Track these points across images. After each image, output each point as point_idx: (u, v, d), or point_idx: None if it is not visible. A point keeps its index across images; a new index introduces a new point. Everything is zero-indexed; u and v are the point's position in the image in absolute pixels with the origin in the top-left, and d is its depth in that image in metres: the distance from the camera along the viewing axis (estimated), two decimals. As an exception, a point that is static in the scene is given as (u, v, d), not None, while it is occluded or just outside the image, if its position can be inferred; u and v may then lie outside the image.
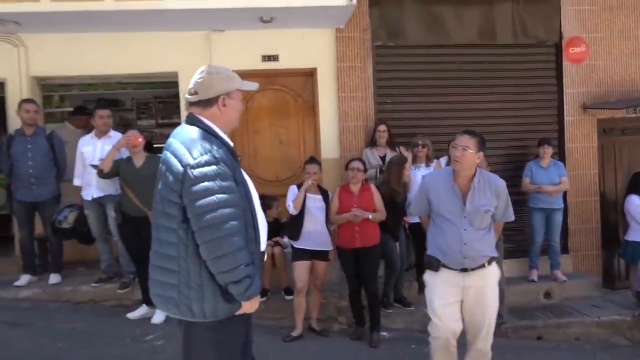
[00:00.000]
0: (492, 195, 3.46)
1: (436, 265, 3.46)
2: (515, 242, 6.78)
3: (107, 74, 6.23)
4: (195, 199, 2.11)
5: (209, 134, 2.25)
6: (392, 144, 6.17)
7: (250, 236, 2.25)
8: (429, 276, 3.55)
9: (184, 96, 6.35)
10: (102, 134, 5.28)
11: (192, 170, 2.12)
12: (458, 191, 3.43)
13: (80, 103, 8.91)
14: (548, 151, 6.34)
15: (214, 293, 2.16)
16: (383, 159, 6.07)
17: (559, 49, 6.86)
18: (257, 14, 5.67)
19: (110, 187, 5.17)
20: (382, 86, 6.57)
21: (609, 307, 6.19)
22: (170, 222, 2.19)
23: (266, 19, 5.79)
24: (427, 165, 6.05)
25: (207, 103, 2.30)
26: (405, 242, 5.75)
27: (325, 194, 5.00)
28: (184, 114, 6.24)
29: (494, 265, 3.55)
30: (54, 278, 5.43)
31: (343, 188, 5.06)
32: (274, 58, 6.31)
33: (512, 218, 3.66)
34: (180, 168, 2.15)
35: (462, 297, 3.48)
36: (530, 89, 6.85)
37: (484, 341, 3.59)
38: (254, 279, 2.18)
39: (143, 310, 5.03)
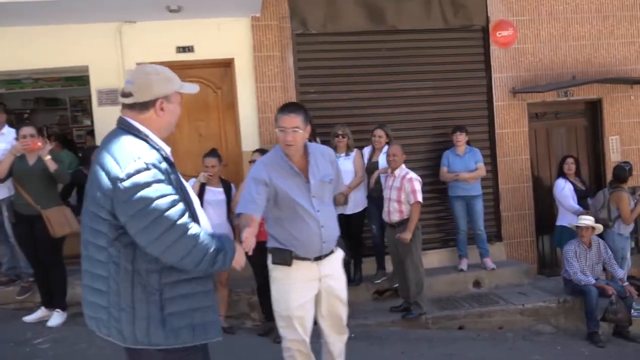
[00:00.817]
0: (327, 164, 3.25)
1: (289, 258, 3.12)
2: (445, 232, 6.69)
3: (12, 70, 6.02)
4: (134, 213, 1.91)
5: (140, 139, 2.05)
6: (313, 135, 6.03)
7: None
8: (279, 273, 3.18)
9: (95, 90, 6.21)
10: (-4, 132, 5.10)
11: (122, 183, 1.91)
12: (298, 170, 3.13)
13: (19, 101, 8.73)
14: (461, 138, 6.21)
15: (148, 317, 1.97)
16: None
17: (486, 33, 6.74)
18: (162, 2, 5.49)
19: (3, 189, 4.98)
20: (304, 75, 6.41)
21: (537, 294, 6.10)
22: (98, 240, 2.01)
23: (173, 7, 5.59)
24: (347, 155, 5.92)
25: (143, 106, 2.09)
26: None
27: (227, 186, 4.84)
28: (96, 110, 6.11)
29: (339, 249, 3.34)
30: (-42, 281, 5.25)
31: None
32: (188, 49, 6.11)
33: (343, 188, 3.55)
34: (107, 182, 1.94)
35: (317, 290, 3.21)
36: (458, 74, 6.73)
37: (345, 330, 3.40)
38: (224, 244, 2.07)
39: (41, 312, 4.86)
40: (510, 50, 6.70)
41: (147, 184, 1.93)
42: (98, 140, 6.02)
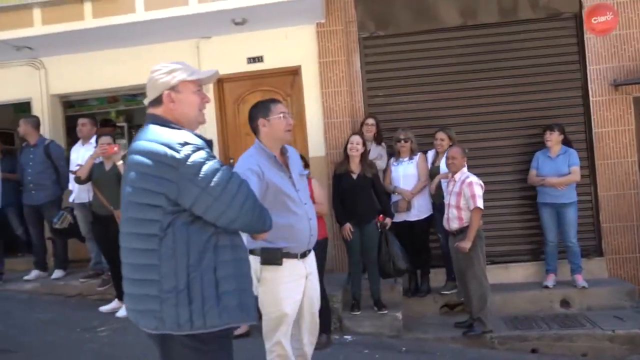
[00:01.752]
0: (298, 159, 3.30)
1: (279, 257, 3.06)
2: (534, 243, 6.01)
3: (111, 87, 6.78)
4: (205, 186, 1.98)
5: (175, 129, 2.12)
6: (379, 139, 5.88)
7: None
8: (268, 273, 3.08)
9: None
10: (84, 140, 5.77)
11: (186, 163, 1.97)
12: (281, 164, 3.10)
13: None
14: (552, 137, 5.54)
15: (202, 296, 2.00)
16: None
17: (578, 20, 5.97)
18: (228, 16, 5.79)
19: (84, 192, 5.61)
20: (371, 79, 6.28)
21: (637, 320, 5.18)
22: (147, 228, 2.04)
23: (238, 20, 5.88)
24: (410, 159, 5.66)
25: (156, 102, 2.20)
26: (397, 244, 5.32)
27: None
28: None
29: None
30: (57, 273, 6.02)
31: None
32: (258, 59, 6.36)
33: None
34: (164, 168, 1.98)
35: (304, 289, 3.14)
36: (547, 68, 6.06)
37: (317, 328, 3.34)
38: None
39: (114, 304, 5.36)
40: (609, 37, 5.85)
41: (207, 159, 2.01)
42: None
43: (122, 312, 5.21)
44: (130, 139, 8.26)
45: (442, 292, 5.69)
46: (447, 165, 5.19)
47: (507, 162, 6.08)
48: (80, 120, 5.87)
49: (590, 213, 6.01)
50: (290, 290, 3.10)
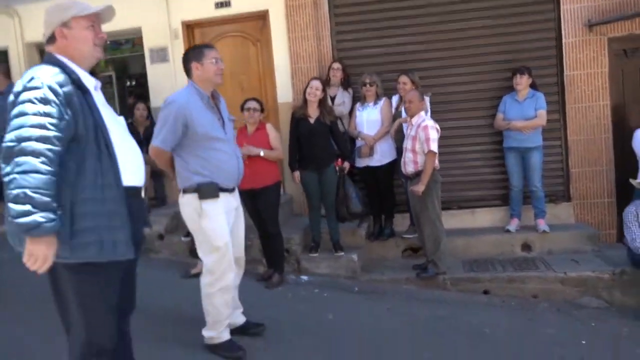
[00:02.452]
0: (225, 104, 3.50)
1: (216, 189, 3.26)
2: (503, 189, 5.98)
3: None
4: (10, 120, 2.04)
5: (51, 64, 2.18)
6: (346, 84, 5.84)
7: (105, 167, 2.18)
8: (208, 206, 3.26)
9: (148, 49, 6.72)
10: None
11: (17, 97, 2.06)
12: (213, 105, 3.31)
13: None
14: (521, 81, 5.42)
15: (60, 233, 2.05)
16: (333, 99, 5.79)
17: (552, -45, 5.72)
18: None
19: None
20: (340, 22, 6.17)
21: (594, 263, 5.20)
22: None
23: (200, -37, 5.81)
24: (375, 104, 5.62)
25: (51, 40, 2.27)
26: (353, 187, 5.37)
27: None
28: (149, 68, 6.65)
29: None
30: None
31: (240, 129, 4.97)
32: (226, 4, 6.29)
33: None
34: (11, 98, 2.09)
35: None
36: (519, 9, 5.86)
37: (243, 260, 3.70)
38: (41, 212, 1.97)
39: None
40: (584, -27, 5.60)
41: (29, 101, 2.03)
42: (152, 94, 6.61)
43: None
44: (120, 89, 8.35)
45: (404, 236, 5.76)
46: (404, 108, 5.15)
47: (476, 107, 5.98)
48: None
49: (559, 158, 5.93)
50: (228, 220, 3.37)
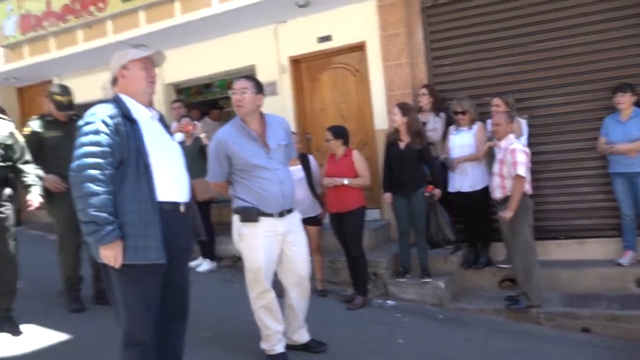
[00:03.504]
0: (282, 131, 3.64)
1: (255, 214, 3.45)
2: (611, 217, 5.44)
3: (210, 74, 7.67)
4: (75, 149, 2.57)
5: (110, 102, 2.68)
6: (437, 109, 5.83)
7: (142, 184, 2.58)
8: (247, 229, 3.49)
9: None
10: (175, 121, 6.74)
11: (79, 131, 2.59)
12: (255, 134, 3.48)
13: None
14: (623, 100, 4.95)
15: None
16: (425, 125, 5.81)
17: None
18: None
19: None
20: (436, 48, 6.17)
21: None
22: None
23: (301, 3, 6.25)
24: (470, 128, 5.52)
25: (114, 81, 2.81)
26: (446, 215, 5.32)
27: (305, 161, 5.22)
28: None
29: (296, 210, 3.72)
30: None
31: (330, 155, 5.22)
32: (327, 38, 6.69)
33: (295, 155, 3.87)
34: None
35: (281, 246, 3.56)
36: (617, 23, 5.33)
37: (306, 287, 3.75)
38: (104, 226, 2.46)
39: (198, 260, 6.25)
40: None
41: (87, 133, 2.53)
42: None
43: (203, 267, 6.10)
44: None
45: (500, 266, 5.49)
46: (492, 132, 5.00)
47: (581, 128, 5.52)
48: (172, 105, 6.83)
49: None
50: (266, 245, 3.51)
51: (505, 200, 4.79)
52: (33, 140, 4.52)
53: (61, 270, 4.73)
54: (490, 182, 4.98)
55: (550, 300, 4.97)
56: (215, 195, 5.85)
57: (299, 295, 3.74)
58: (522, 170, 4.64)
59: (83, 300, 4.78)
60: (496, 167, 4.87)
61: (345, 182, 4.96)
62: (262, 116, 3.58)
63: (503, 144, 4.85)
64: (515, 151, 4.69)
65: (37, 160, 4.37)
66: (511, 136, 4.88)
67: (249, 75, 3.86)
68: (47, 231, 7.42)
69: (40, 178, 4.27)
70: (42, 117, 4.75)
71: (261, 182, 3.46)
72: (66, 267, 4.68)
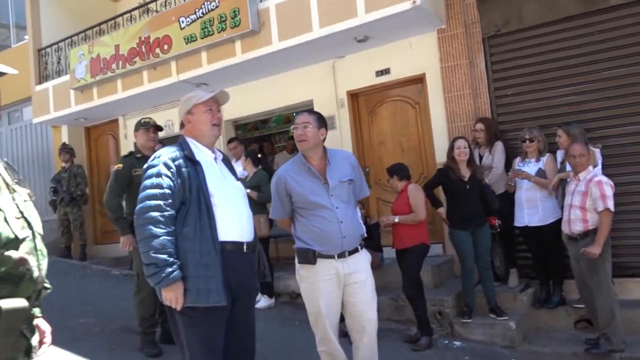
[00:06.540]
0: (347, 166, 3.36)
1: (312, 257, 3.21)
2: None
3: (269, 110, 7.78)
4: (139, 192, 2.66)
5: (175, 145, 2.76)
6: (493, 141, 5.62)
7: (203, 224, 2.58)
8: (305, 271, 3.28)
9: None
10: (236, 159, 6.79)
11: (144, 173, 2.68)
12: (315, 172, 3.27)
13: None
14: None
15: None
16: (481, 159, 5.65)
17: None
18: (347, 35, 6.18)
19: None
20: (498, 78, 6.01)
21: None
22: None
23: (360, 38, 6.26)
24: (538, 160, 5.30)
25: (181, 126, 2.91)
26: (500, 249, 5.14)
27: None
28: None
29: (364, 250, 3.37)
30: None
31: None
32: (385, 71, 6.67)
33: (368, 192, 3.57)
34: None
35: (343, 288, 3.28)
36: None
37: (373, 335, 3.35)
38: (164, 268, 2.46)
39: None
40: None
41: (150, 175, 2.59)
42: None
43: (261, 304, 6.04)
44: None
45: (575, 305, 5.15)
46: (571, 164, 4.74)
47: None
48: (229, 145, 6.88)
49: None
50: (325, 288, 3.25)
51: (585, 234, 4.51)
52: (122, 176, 4.53)
53: (137, 311, 4.61)
54: (566, 215, 4.70)
55: (632, 343, 4.58)
56: (265, 234, 5.83)
57: (365, 343, 3.41)
58: (611, 204, 4.38)
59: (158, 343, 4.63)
60: (576, 199, 4.59)
61: (396, 219, 4.86)
62: (325, 151, 3.39)
63: (583, 175, 4.60)
64: (602, 183, 4.45)
65: (128, 197, 4.43)
66: (591, 167, 4.63)
67: (311, 109, 3.80)
68: (112, 266, 7.61)
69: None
70: (130, 154, 4.74)
71: (319, 220, 3.22)
72: (142, 308, 4.56)
